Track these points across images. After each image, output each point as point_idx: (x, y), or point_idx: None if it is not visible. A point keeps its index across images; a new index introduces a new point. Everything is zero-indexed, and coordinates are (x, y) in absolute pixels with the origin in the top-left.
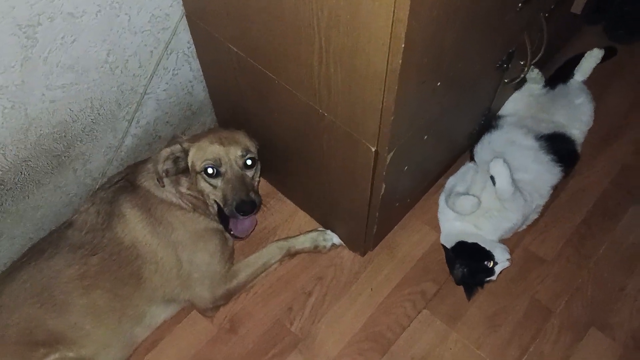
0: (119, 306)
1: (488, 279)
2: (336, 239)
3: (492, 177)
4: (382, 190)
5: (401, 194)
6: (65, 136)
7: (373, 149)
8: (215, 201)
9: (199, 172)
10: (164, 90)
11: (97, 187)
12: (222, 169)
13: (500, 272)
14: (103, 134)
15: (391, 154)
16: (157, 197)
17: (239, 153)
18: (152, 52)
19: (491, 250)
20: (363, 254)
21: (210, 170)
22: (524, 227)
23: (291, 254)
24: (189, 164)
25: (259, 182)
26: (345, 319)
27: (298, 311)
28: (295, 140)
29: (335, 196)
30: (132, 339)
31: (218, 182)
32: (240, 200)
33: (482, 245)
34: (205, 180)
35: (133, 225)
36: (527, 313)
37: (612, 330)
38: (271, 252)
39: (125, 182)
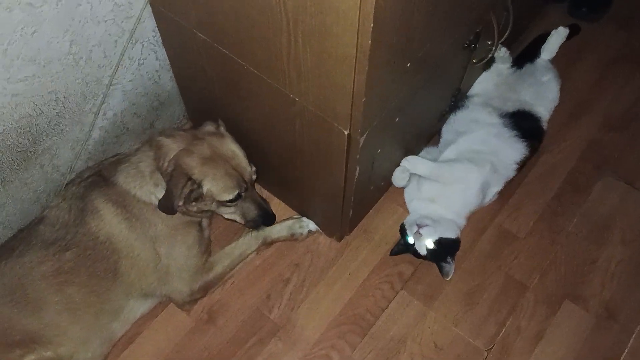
0: (96, 301)
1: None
2: (312, 226)
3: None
4: (357, 174)
5: (375, 177)
6: (30, 131)
7: (346, 132)
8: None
9: (222, 203)
10: (130, 80)
11: (67, 182)
12: (243, 194)
13: (441, 253)
14: (69, 128)
15: (364, 136)
16: (136, 197)
17: (253, 176)
18: (116, 41)
19: (431, 227)
20: (339, 239)
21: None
22: (492, 199)
23: (267, 243)
24: (204, 193)
25: None
26: (324, 303)
27: (276, 299)
28: (267, 127)
29: (310, 182)
30: (111, 334)
31: (237, 203)
32: (264, 217)
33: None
34: (227, 207)
35: (108, 220)
36: (502, 289)
37: (585, 302)
38: (247, 242)
39: (97, 178)
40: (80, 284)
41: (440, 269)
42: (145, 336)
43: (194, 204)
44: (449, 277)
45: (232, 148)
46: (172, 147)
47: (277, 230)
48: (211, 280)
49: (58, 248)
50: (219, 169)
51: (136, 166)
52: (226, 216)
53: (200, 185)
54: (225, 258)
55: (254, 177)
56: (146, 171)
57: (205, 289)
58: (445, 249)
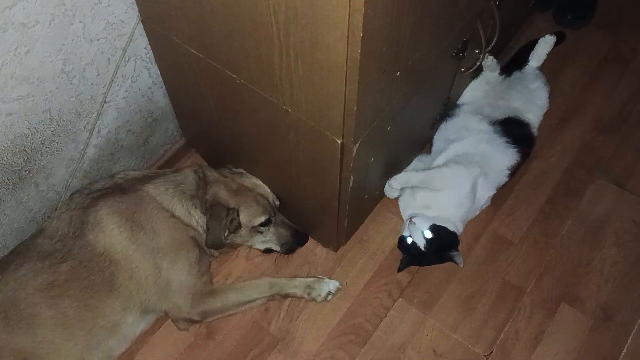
0: (90, 316)
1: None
2: (333, 287)
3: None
4: (351, 183)
5: (370, 186)
6: (24, 150)
7: (339, 142)
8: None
9: (256, 227)
10: (124, 98)
11: (75, 191)
12: (272, 218)
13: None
14: (64, 146)
15: (357, 145)
16: (162, 205)
17: (276, 202)
18: (109, 59)
19: (424, 215)
20: (336, 249)
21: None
22: (486, 204)
23: (282, 295)
24: (240, 222)
25: None
26: (322, 314)
27: (275, 311)
28: (261, 139)
29: (305, 193)
30: (107, 352)
31: (270, 228)
32: (297, 237)
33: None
34: (260, 232)
35: (109, 231)
36: (499, 294)
37: (582, 304)
38: (260, 286)
39: (112, 189)
40: (74, 297)
41: (451, 259)
42: (143, 354)
43: (231, 235)
44: (463, 264)
45: (252, 181)
46: (211, 180)
47: (293, 285)
48: (211, 309)
49: (54, 260)
50: (248, 196)
51: (177, 185)
52: (263, 246)
53: (237, 213)
54: (232, 292)
55: (277, 202)
56: (187, 191)
57: (204, 315)
58: (444, 236)
